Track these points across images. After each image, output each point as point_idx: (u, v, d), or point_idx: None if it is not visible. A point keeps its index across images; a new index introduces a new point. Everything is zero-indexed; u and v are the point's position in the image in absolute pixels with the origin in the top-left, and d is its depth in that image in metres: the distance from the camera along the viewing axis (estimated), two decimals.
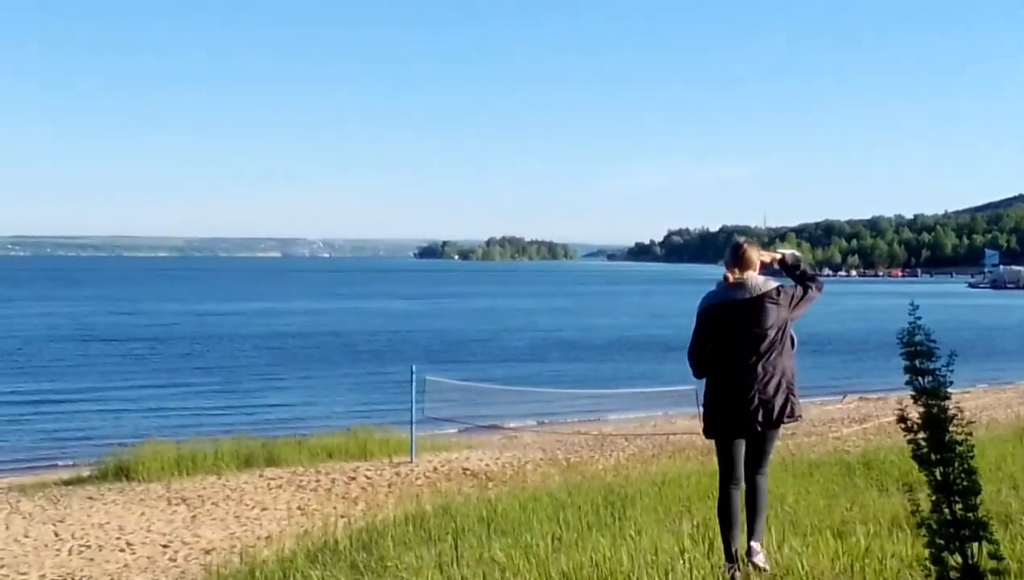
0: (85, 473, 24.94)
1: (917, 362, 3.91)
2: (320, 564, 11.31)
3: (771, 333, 7.86)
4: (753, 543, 7.83)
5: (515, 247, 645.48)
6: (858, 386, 47.24)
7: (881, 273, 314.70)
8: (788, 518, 12.34)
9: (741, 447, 8.06)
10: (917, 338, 3.91)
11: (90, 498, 21.80)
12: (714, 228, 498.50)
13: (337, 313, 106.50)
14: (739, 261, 8.08)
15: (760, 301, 7.88)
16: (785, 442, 27.30)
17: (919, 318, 3.99)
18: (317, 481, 23.29)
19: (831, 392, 44.84)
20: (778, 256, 8.39)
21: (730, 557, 7.83)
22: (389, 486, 22.92)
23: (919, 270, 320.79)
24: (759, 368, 7.81)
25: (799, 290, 8.13)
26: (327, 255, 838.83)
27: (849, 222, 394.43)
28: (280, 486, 22.79)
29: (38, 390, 45.62)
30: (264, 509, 20.50)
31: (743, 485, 8.14)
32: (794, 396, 8.01)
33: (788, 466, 18.87)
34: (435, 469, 24.88)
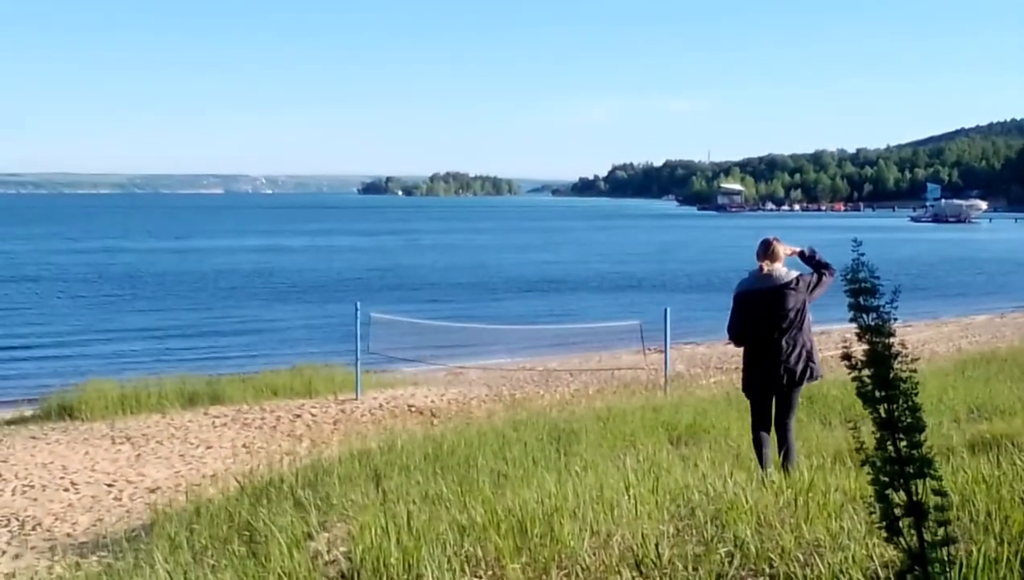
0: (28, 413, 24.74)
1: (861, 299, 3.90)
2: (265, 502, 11.30)
3: (791, 314, 10.21)
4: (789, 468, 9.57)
5: (459, 183, 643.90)
6: None
7: (824, 207, 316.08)
8: (732, 452, 12.43)
9: (770, 402, 10.51)
10: (861, 275, 3.91)
11: (33, 438, 21.63)
12: (658, 163, 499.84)
13: (281, 250, 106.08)
14: (769, 254, 10.36)
15: (783, 289, 10.21)
16: (729, 376, 27.45)
17: (863, 254, 3.98)
18: (262, 419, 23.21)
19: None
20: (798, 249, 10.65)
21: (763, 470, 9.78)
22: (334, 423, 22.88)
23: (862, 204, 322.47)
24: (783, 342, 10.22)
25: (815, 277, 10.43)
26: (270, 191, 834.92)
27: (792, 156, 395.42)
28: (225, 424, 22.71)
29: None
30: (209, 447, 20.42)
31: (772, 430, 10.53)
32: (813, 363, 10.46)
33: (732, 400, 18.97)
34: (380, 406, 24.86)
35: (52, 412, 23.99)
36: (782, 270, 10.31)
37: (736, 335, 10.51)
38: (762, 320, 10.21)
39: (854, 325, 3.96)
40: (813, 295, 10.40)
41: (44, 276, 71.65)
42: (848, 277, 3.92)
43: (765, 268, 10.29)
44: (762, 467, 9.96)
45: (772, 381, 10.30)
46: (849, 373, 3.96)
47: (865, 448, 3.99)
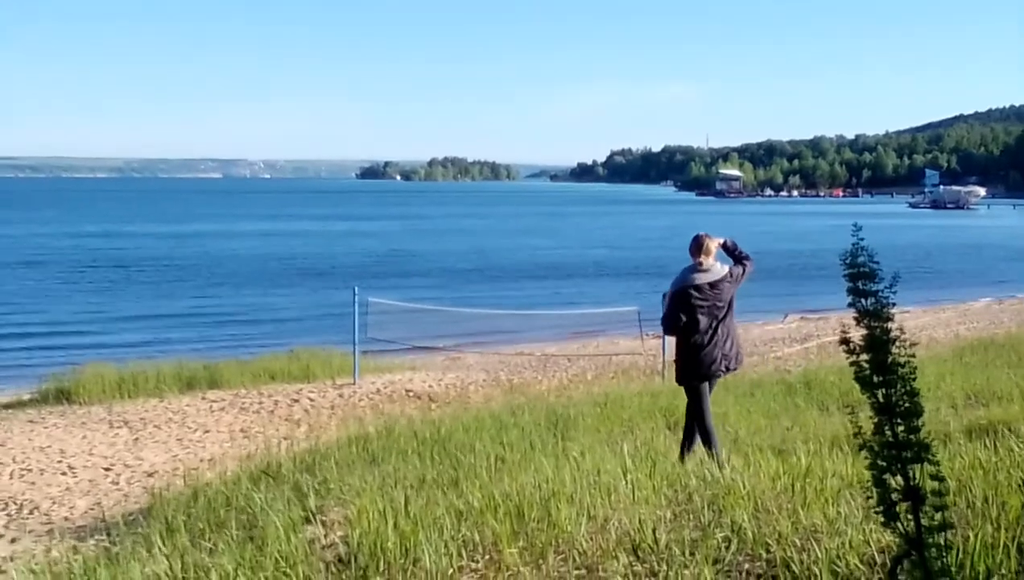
0: (25, 396, 24.76)
1: (860, 284, 3.90)
2: (263, 486, 11.31)
3: (727, 304, 10.96)
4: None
5: (458, 168, 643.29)
6: (799, 306, 47.57)
7: (822, 193, 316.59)
8: (729, 437, 12.44)
9: (707, 388, 11.11)
10: (860, 259, 3.90)
11: (31, 421, 21.64)
12: (657, 148, 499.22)
13: (279, 234, 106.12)
14: (704, 250, 11.02)
15: (721, 282, 10.90)
16: None
17: (862, 239, 3.97)
18: (260, 403, 23.22)
19: (772, 312, 45.15)
20: (722, 241, 11.27)
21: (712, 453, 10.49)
22: (332, 408, 22.89)
23: (860, 190, 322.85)
24: (719, 331, 10.91)
25: (738, 268, 11.15)
26: (268, 176, 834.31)
27: (791, 142, 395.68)
28: (223, 408, 22.71)
29: None
30: (206, 431, 20.43)
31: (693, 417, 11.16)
32: (740, 349, 11.35)
33: (730, 386, 18.97)
34: (378, 391, 24.86)
35: (50, 396, 24.00)
36: (716, 264, 11.04)
37: (674, 327, 11.00)
38: (703, 311, 10.85)
39: (852, 310, 3.96)
40: (739, 285, 11.22)
41: (41, 260, 71.62)
42: (847, 262, 3.92)
43: (704, 263, 10.96)
44: (716, 450, 10.59)
45: (711, 369, 10.97)
46: (847, 358, 3.95)
47: (863, 433, 3.99)
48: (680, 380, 11.22)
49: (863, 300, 3.89)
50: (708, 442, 10.85)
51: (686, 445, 11.01)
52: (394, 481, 9.57)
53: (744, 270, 11.19)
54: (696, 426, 11.05)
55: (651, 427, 13.73)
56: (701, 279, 10.86)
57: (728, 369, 11.12)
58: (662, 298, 11.65)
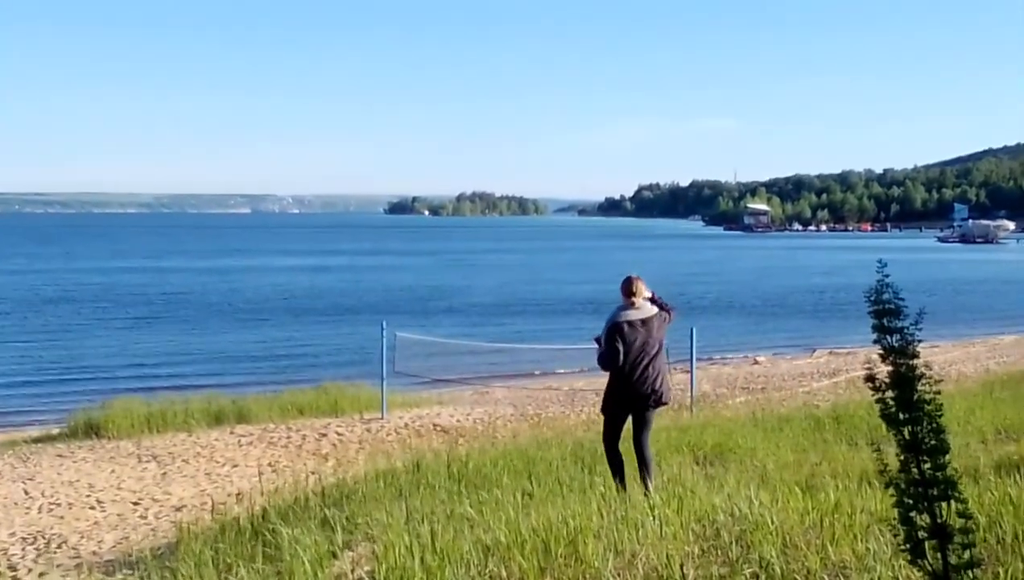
0: (55, 431, 24.85)
1: (885, 320, 3.89)
2: (291, 521, 11.31)
3: (658, 343, 11.48)
4: (649, 491, 10.37)
5: (485, 203, 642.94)
6: (828, 341, 47.41)
7: (851, 227, 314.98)
8: (757, 472, 12.39)
9: (625, 421, 11.51)
10: (885, 296, 3.90)
11: (60, 456, 21.72)
12: (684, 183, 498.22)
13: (308, 269, 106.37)
14: (636, 290, 11.55)
15: (652, 320, 11.47)
16: (755, 397, 27.44)
17: (887, 276, 3.97)
18: (288, 438, 23.25)
19: (801, 347, 45.06)
20: (650, 293, 11.75)
21: (623, 487, 10.84)
22: (360, 443, 22.89)
23: (889, 224, 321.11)
24: (650, 367, 11.32)
25: (666, 315, 11.77)
26: (297, 211, 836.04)
27: (819, 176, 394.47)
28: (251, 443, 22.74)
29: (6, 349, 45.37)
30: (235, 466, 20.46)
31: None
32: (669, 387, 11.74)
33: (758, 421, 18.93)
34: (406, 425, 24.85)
35: (79, 430, 24.07)
36: (646, 304, 11.57)
37: (613, 361, 11.33)
38: (637, 347, 11.31)
39: (878, 346, 3.95)
40: (666, 326, 11.83)
41: (71, 296, 71.93)
42: (872, 298, 3.91)
43: (637, 302, 11.50)
44: (622, 481, 11.13)
45: (639, 402, 11.38)
46: (872, 395, 3.95)
47: (889, 470, 3.98)
48: (604, 409, 11.64)
49: (888, 337, 3.88)
50: (616, 470, 11.36)
51: (644, 473, 11.31)
52: (421, 516, 9.55)
53: (670, 316, 11.86)
54: (606, 452, 11.55)
55: (679, 462, 13.68)
56: (634, 316, 11.41)
57: (658, 403, 11.52)
58: (594, 339, 11.75)
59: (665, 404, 11.88)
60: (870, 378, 3.92)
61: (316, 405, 26.59)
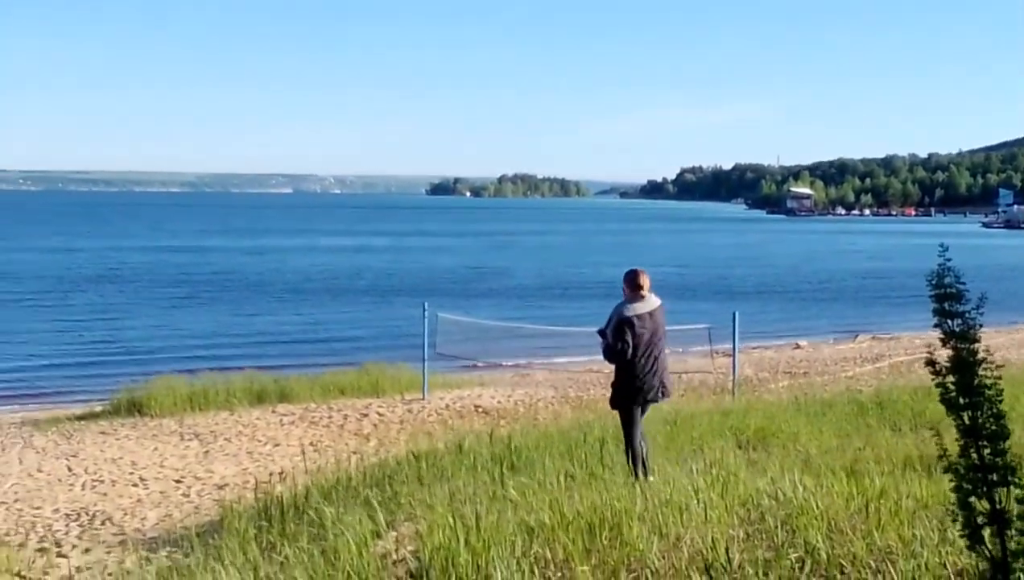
0: (98, 408, 25.01)
1: (946, 305, 3.84)
2: (334, 500, 11.32)
3: (663, 334, 11.51)
4: (650, 477, 10.78)
5: (527, 184, 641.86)
6: (871, 326, 47.16)
7: (895, 212, 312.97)
8: (800, 457, 12.35)
9: (639, 413, 11.44)
10: (947, 280, 3.85)
11: (103, 433, 21.88)
12: (727, 166, 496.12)
13: (349, 249, 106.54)
14: (639, 282, 11.42)
15: (658, 311, 11.46)
16: (797, 381, 27.35)
17: (948, 260, 3.92)
18: (329, 418, 23.33)
19: (844, 332, 44.84)
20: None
21: (645, 476, 10.81)
22: (401, 423, 22.95)
23: (933, 209, 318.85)
24: (659, 359, 11.35)
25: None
26: (338, 191, 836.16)
27: (863, 161, 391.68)
28: (292, 422, 22.84)
29: (51, 327, 45.68)
30: (277, 445, 20.55)
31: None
32: (671, 380, 11.86)
33: (801, 406, 18.86)
34: (447, 406, 24.89)
35: (122, 408, 24.25)
36: (651, 295, 11.52)
37: (622, 354, 11.17)
38: (646, 340, 11.21)
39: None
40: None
41: (113, 275, 72.20)
42: (933, 282, 3.86)
43: (645, 293, 11.42)
44: (645, 473, 11.05)
45: (651, 393, 11.36)
46: (932, 379, 3.90)
47: (948, 455, 3.93)
48: (616, 404, 11.56)
49: (949, 321, 3.83)
50: (635, 463, 11.18)
51: (636, 465, 11.23)
52: (464, 497, 9.55)
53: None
54: (629, 445, 11.36)
55: (721, 446, 13.63)
56: (642, 309, 11.28)
57: (664, 395, 11.58)
58: (599, 332, 11.55)
59: (668, 397, 11.94)
60: (931, 362, 3.88)
61: (357, 385, 26.67)
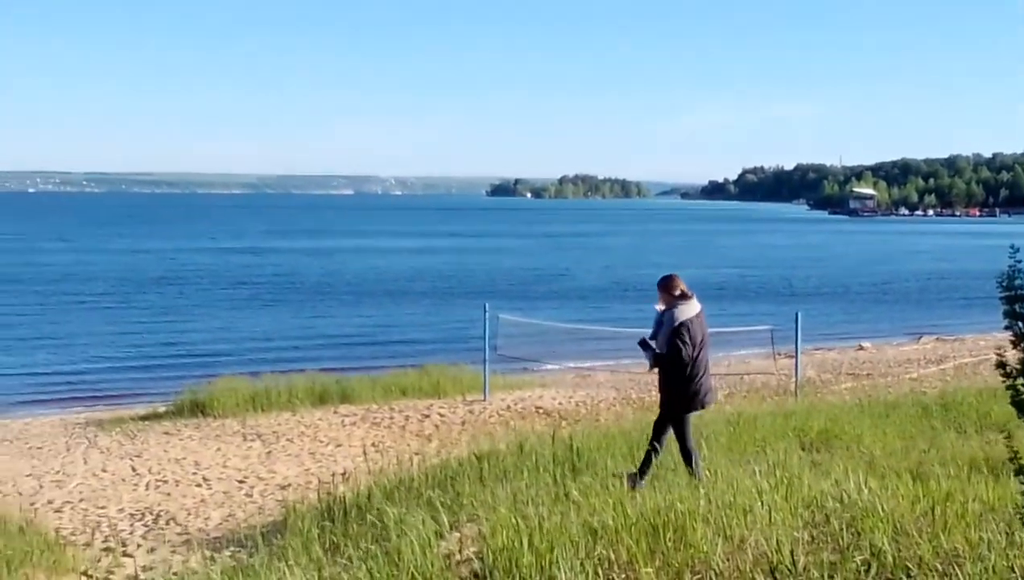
0: (161, 409, 25.21)
1: (1017, 306, 3.80)
2: (396, 501, 11.36)
3: (708, 338, 11.34)
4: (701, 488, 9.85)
5: (588, 185, 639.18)
6: (935, 328, 46.78)
7: (959, 212, 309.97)
8: (864, 459, 12.27)
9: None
10: (1017, 282, 3.80)
11: (166, 433, 22.06)
12: (789, 166, 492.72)
13: (411, 251, 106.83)
14: (680, 287, 11.21)
15: (703, 314, 11.28)
16: (860, 383, 27.18)
17: (1019, 261, 3.86)
18: (391, 418, 23.41)
19: (907, 333, 44.51)
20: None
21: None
22: (462, 424, 22.99)
23: (997, 210, 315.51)
24: (707, 363, 11.22)
25: None
26: (399, 193, 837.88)
27: (926, 161, 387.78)
28: (354, 423, 22.93)
29: (114, 328, 46.07)
30: (338, 446, 20.64)
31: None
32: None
33: (864, 407, 18.75)
34: (508, 407, 24.92)
35: (185, 409, 24.43)
36: (695, 300, 11.29)
37: (680, 362, 10.97)
38: (699, 344, 11.09)
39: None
40: None
41: (176, 277, 72.70)
42: (1004, 284, 3.82)
43: (688, 297, 11.18)
44: (698, 469, 11.00)
45: (707, 395, 11.29)
46: (1002, 381, 3.86)
47: (1019, 457, 3.90)
48: (672, 411, 11.25)
49: (1020, 323, 3.80)
50: (690, 462, 11.09)
51: (644, 470, 11.12)
52: (527, 498, 9.55)
53: None
54: (681, 452, 11.28)
55: (784, 448, 13.56)
56: (692, 313, 11.09)
57: (713, 400, 11.69)
58: (640, 343, 11.35)
59: (712, 403, 11.81)
60: (1001, 364, 3.84)
61: (418, 386, 26.73)
